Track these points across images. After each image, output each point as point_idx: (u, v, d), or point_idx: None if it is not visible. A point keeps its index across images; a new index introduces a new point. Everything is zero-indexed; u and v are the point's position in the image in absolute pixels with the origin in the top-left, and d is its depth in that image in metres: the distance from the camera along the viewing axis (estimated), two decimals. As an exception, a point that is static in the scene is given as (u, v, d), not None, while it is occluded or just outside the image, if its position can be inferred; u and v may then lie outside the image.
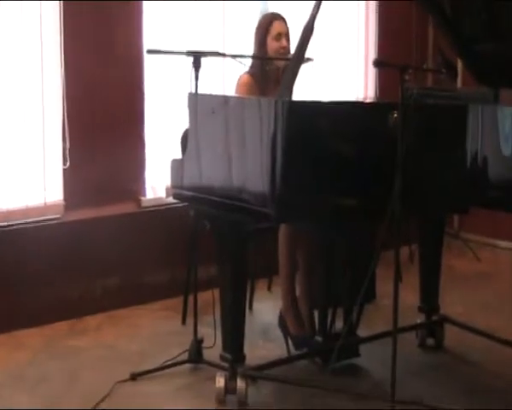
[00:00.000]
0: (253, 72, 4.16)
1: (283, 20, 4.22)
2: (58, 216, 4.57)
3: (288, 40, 4.18)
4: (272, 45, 4.16)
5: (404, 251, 5.15)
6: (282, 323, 3.98)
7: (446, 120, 3.57)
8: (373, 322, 4.08)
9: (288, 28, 4.21)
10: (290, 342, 3.94)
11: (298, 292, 3.99)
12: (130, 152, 4.83)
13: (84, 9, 4.55)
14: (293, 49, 3.76)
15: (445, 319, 4.17)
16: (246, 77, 4.18)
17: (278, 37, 4.17)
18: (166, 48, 4.60)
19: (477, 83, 3.92)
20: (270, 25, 4.18)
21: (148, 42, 4.83)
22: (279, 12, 4.33)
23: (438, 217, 4.24)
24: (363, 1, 5.89)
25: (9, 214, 4.41)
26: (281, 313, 3.99)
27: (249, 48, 4.29)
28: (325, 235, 3.77)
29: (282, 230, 3.92)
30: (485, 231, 5.96)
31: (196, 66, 3.66)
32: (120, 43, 4.74)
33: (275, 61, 4.16)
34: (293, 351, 3.92)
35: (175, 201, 3.93)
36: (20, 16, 4.38)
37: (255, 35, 4.23)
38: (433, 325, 4.17)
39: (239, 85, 4.20)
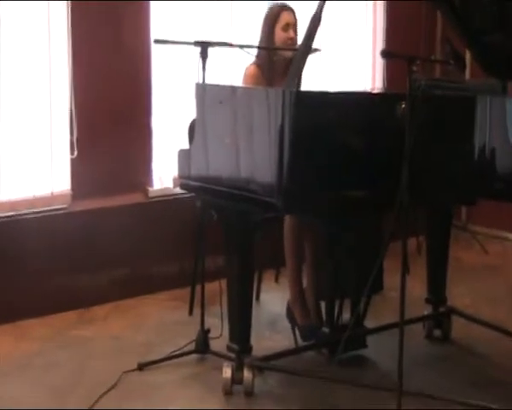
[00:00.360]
0: (259, 62, 4.15)
1: (292, 10, 4.20)
2: (65, 206, 4.58)
3: (295, 31, 4.17)
4: (280, 35, 4.15)
5: (412, 243, 5.14)
6: (290, 314, 3.98)
7: (454, 111, 3.56)
8: (380, 313, 4.07)
9: (296, 19, 4.19)
10: (297, 333, 3.94)
11: (305, 283, 3.99)
12: (137, 142, 4.84)
13: (92, 2, 4.55)
14: (300, 40, 3.75)
15: (453, 311, 4.16)
16: (252, 68, 4.17)
17: (286, 27, 4.15)
18: (174, 38, 4.61)
19: (485, 74, 3.91)
20: (278, 15, 4.16)
21: (155, 32, 4.81)
22: (287, 2, 4.30)
23: (445, 208, 4.24)
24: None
25: (16, 204, 4.42)
26: (288, 304, 3.99)
27: (256, 38, 4.28)
28: (332, 226, 3.77)
29: (287, 221, 3.92)
30: (492, 223, 5.95)
31: (204, 56, 3.66)
32: (128, 34, 4.73)
33: (282, 52, 4.14)
34: (300, 342, 3.92)
35: (182, 191, 3.94)
36: (29, 6, 4.38)
37: (263, 25, 4.21)
38: (440, 317, 4.17)
39: (246, 76, 4.18)
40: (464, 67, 4.03)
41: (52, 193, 4.56)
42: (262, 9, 5.19)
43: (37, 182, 4.51)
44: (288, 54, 4.09)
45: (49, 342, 4.10)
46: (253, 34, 4.91)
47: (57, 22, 4.48)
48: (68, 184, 4.60)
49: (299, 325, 3.93)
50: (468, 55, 4.31)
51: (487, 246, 5.76)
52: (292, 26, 4.16)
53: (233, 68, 5.08)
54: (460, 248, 5.38)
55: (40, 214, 4.46)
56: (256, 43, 4.24)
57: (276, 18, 4.16)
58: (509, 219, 5.72)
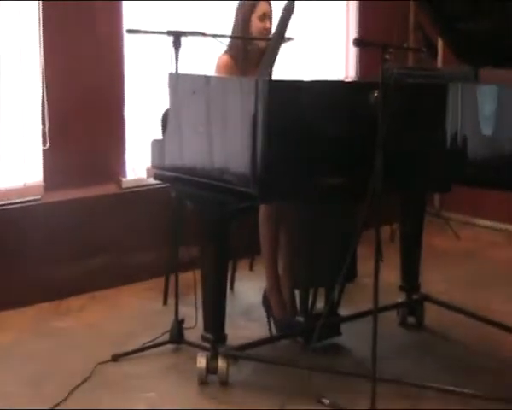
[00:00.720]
0: (232, 52, 4.13)
1: (269, 0, 4.18)
2: (38, 197, 4.55)
3: (270, 22, 4.15)
4: (257, 25, 4.13)
5: (385, 230, 5.18)
6: (266, 302, 3.99)
7: (426, 98, 3.57)
8: (354, 301, 4.09)
9: (271, 9, 4.18)
10: (273, 323, 3.95)
11: (280, 271, 3.99)
12: (110, 133, 4.82)
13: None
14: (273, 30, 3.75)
15: (426, 298, 4.19)
16: (225, 58, 4.15)
17: (263, 17, 4.14)
18: (146, 28, 4.58)
19: (457, 61, 3.92)
20: (255, 4, 4.14)
21: (128, 21, 4.79)
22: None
23: (419, 195, 4.26)
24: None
25: (-11, 196, 4.39)
26: (265, 292, 4.00)
27: (229, 26, 4.26)
28: (307, 214, 3.78)
29: (262, 210, 3.92)
30: (465, 209, 5.99)
31: (176, 45, 3.64)
32: (100, 23, 4.71)
33: (257, 42, 4.13)
34: (275, 331, 3.93)
35: (156, 181, 3.92)
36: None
37: (237, 13, 4.19)
38: (413, 304, 4.19)
39: (218, 66, 4.17)
40: (436, 54, 4.05)
41: (24, 184, 4.53)
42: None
43: (10, 173, 4.48)
44: (263, 44, 4.08)
45: (25, 332, 4.09)
46: (226, 23, 4.93)
47: (29, 11, 4.44)
48: (41, 176, 4.58)
49: (275, 317, 3.94)
50: (440, 43, 4.33)
51: (460, 232, 5.80)
52: (268, 16, 4.15)
53: (206, 58, 5.06)
54: (433, 235, 5.41)
55: (13, 206, 4.44)
56: (228, 31, 4.23)
57: (253, 7, 4.14)
58: (481, 206, 5.77)
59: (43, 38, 4.47)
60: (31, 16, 4.45)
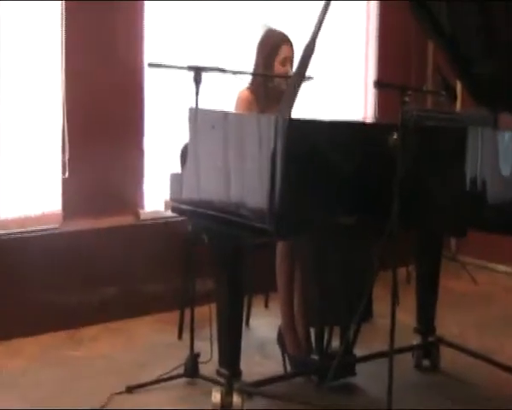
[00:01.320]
0: (253, 88, 4.16)
1: (291, 44, 4.19)
2: (56, 226, 4.57)
3: (291, 65, 4.16)
4: (278, 69, 4.14)
5: (402, 272, 5.16)
6: (281, 340, 3.98)
7: (446, 141, 3.58)
8: (369, 341, 4.07)
9: (293, 52, 4.18)
10: (287, 361, 3.94)
11: (295, 309, 3.98)
12: (129, 164, 4.85)
13: (86, 21, 4.57)
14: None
15: (441, 341, 4.17)
16: (246, 93, 4.17)
17: (284, 61, 4.15)
18: (168, 61, 4.62)
19: (476, 105, 3.93)
20: (278, 47, 4.15)
21: (149, 54, 4.84)
22: (285, 33, 4.27)
23: (436, 238, 4.25)
24: (363, 21, 5.91)
25: (7, 223, 4.42)
26: (280, 329, 3.99)
27: (250, 63, 4.29)
28: (323, 253, 3.78)
29: (280, 247, 3.92)
30: (482, 254, 5.97)
31: (197, 80, 3.67)
32: (122, 55, 4.76)
33: (277, 82, 4.15)
34: (289, 368, 3.92)
35: (173, 214, 3.94)
36: (22, 29, 4.39)
37: (260, 52, 4.21)
38: (428, 347, 4.17)
39: (239, 100, 4.19)
40: (455, 97, 4.06)
41: (43, 213, 4.56)
42: (255, 34, 5.28)
43: (29, 201, 4.51)
44: (284, 85, 4.08)
45: (39, 361, 4.10)
46: (246, 60, 4.98)
47: (51, 43, 4.49)
48: (59, 204, 4.60)
49: (290, 354, 3.93)
50: (458, 86, 4.34)
51: (476, 276, 5.78)
52: (289, 59, 4.16)
53: (226, 93, 5.10)
54: (449, 278, 5.39)
55: (31, 234, 4.46)
56: (249, 67, 4.26)
57: (275, 51, 4.15)
58: (497, 251, 5.74)
59: (66, 68, 4.52)
60: (53, 45, 4.50)
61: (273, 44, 4.18)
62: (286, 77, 4.09)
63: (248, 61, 4.31)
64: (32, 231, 4.48)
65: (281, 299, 3.98)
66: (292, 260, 3.93)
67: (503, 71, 3.72)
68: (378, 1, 5.91)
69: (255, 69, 4.22)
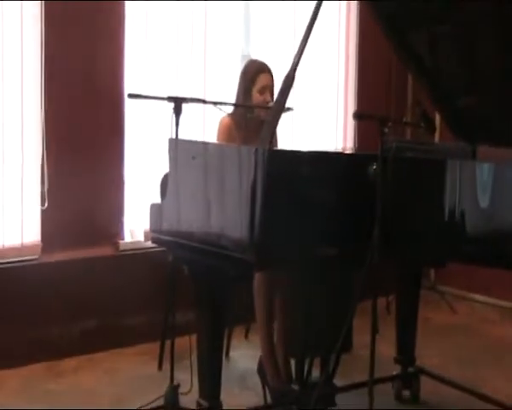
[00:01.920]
0: (234, 117, 4.18)
1: (269, 72, 4.22)
2: (35, 257, 4.56)
3: (271, 93, 4.19)
4: (256, 98, 4.17)
5: (381, 302, 5.16)
6: (261, 370, 3.97)
7: (425, 172, 3.60)
8: (349, 372, 4.07)
9: (273, 81, 4.21)
10: (268, 391, 3.93)
11: (275, 339, 3.98)
12: (109, 195, 4.84)
13: (66, 50, 4.59)
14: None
15: (422, 371, 4.17)
16: (227, 119, 4.17)
17: (263, 90, 4.17)
18: (147, 92, 4.63)
19: (455, 138, 3.97)
20: (256, 76, 4.18)
21: (129, 84, 4.85)
22: (265, 62, 4.30)
23: (415, 269, 4.27)
24: (343, 53, 5.97)
25: (-14, 254, 4.40)
26: (260, 360, 3.99)
27: (232, 93, 4.31)
28: (302, 282, 3.78)
29: (258, 278, 3.92)
30: (460, 284, 6.00)
31: (177, 111, 3.67)
32: (102, 85, 4.76)
33: (257, 112, 4.17)
34: (270, 399, 3.91)
35: (153, 245, 3.93)
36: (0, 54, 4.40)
37: (240, 82, 4.24)
38: (409, 377, 4.17)
39: (220, 128, 4.20)
40: (434, 129, 4.09)
41: (22, 244, 4.54)
42: (235, 63, 5.32)
43: (7, 232, 4.49)
44: (263, 115, 4.11)
45: (19, 395, 4.07)
46: (227, 90, 5.01)
47: (30, 72, 4.50)
48: (38, 235, 4.59)
49: (270, 385, 3.92)
50: (437, 118, 4.38)
51: (455, 306, 5.80)
52: (268, 88, 4.18)
53: (206, 124, 5.12)
54: (429, 309, 5.41)
55: (10, 265, 4.44)
56: (230, 97, 4.28)
57: (254, 80, 4.18)
58: (476, 281, 5.77)
59: (45, 98, 4.53)
60: (32, 76, 4.51)
61: (251, 74, 4.21)
62: (265, 107, 4.11)
63: (231, 92, 4.34)
64: (11, 262, 4.46)
65: (260, 329, 3.97)
66: (270, 290, 3.93)
67: (482, 104, 3.76)
68: (358, 32, 5.95)
69: (236, 99, 4.24)
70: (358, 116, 4.28)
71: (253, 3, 5.45)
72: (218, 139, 4.18)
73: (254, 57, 5.06)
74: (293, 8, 5.51)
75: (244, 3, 5.46)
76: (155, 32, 4.93)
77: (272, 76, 4.23)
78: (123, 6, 4.83)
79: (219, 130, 4.21)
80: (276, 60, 5.26)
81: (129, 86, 4.83)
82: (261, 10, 5.43)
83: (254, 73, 4.20)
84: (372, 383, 3.11)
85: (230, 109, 4.19)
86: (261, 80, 4.19)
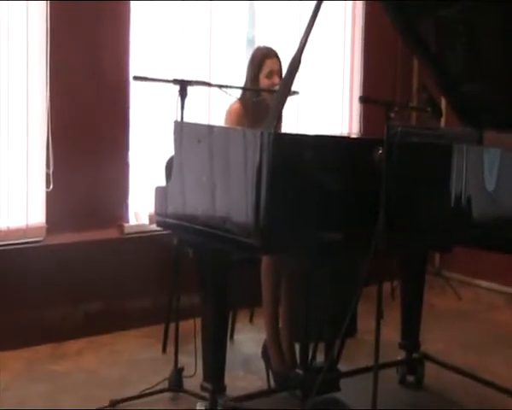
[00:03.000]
0: (243, 101, 4.18)
1: (276, 56, 4.22)
2: (40, 239, 4.55)
3: (280, 76, 4.17)
4: (264, 82, 4.17)
5: (386, 287, 5.16)
6: (266, 354, 3.97)
7: (431, 158, 3.58)
8: (353, 357, 4.07)
9: (280, 64, 4.20)
10: (271, 376, 3.93)
11: (280, 324, 3.98)
12: (114, 177, 4.83)
13: (71, 34, 4.58)
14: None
15: (426, 357, 4.17)
16: (236, 105, 4.18)
17: (270, 75, 4.17)
18: (153, 74, 4.62)
19: (461, 123, 3.95)
20: (263, 62, 4.18)
21: (134, 67, 4.84)
22: (272, 47, 4.30)
23: (421, 253, 4.26)
24: (348, 37, 5.94)
25: (-9, 235, 4.39)
26: (265, 344, 3.99)
27: (237, 76, 4.30)
28: (308, 267, 3.78)
29: (265, 262, 3.92)
30: (466, 270, 5.99)
31: (182, 94, 3.67)
32: (107, 68, 4.75)
33: (264, 96, 4.17)
34: (273, 383, 3.91)
35: (158, 228, 3.93)
36: (7, 41, 4.39)
37: (248, 69, 4.25)
38: (413, 362, 4.17)
39: (229, 112, 4.19)
40: (441, 114, 4.08)
41: (27, 225, 4.53)
42: (241, 48, 5.30)
43: (13, 214, 4.48)
44: (271, 99, 4.10)
45: (23, 375, 4.08)
46: (232, 73, 5.00)
47: (36, 53, 4.48)
48: (43, 217, 4.59)
49: (275, 369, 3.92)
50: (443, 103, 4.36)
51: (460, 292, 5.80)
52: (276, 72, 4.18)
53: (211, 107, 5.11)
54: (433, 294, 5.41)
55: (14, 246, 4.44)
56: (235, 81, 4.27)
57: (261, 65, 4.18)
58: (481, 267, 5.76)
59: (50, 81, 4.51)
60: (38, 58, 4.50)
61: (258, 60, 4.22)
62: (272, 91, 4.09)
63: (236, 76, 4.33)
64: (16, 244, 4.46)
65: (266, 313, 3.98)
66: (277, 274, 3.93)
67: (488, 89, 3.75)
68: (364, 16, 5.93)
69: (244, 84, 4.23)
70: (364, 100, 4.28)
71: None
72: (226, 124, 4.17)
73: (260, 41, 5.07)
74: (299, -9, 5.48)
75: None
76: (161, 15, 4.91)
77: (279, 60, 4.23)
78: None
79: (228, 116, 4.20)
80: (282, 43, 5.24)
81: (134, 69, 4.82)
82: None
83: (261, 58, 4.21)
84: (377, 367, 3.11)
85: (237, 93, 4.18)
86: (268, 65, 4.19)
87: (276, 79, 4.16)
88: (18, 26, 4.42)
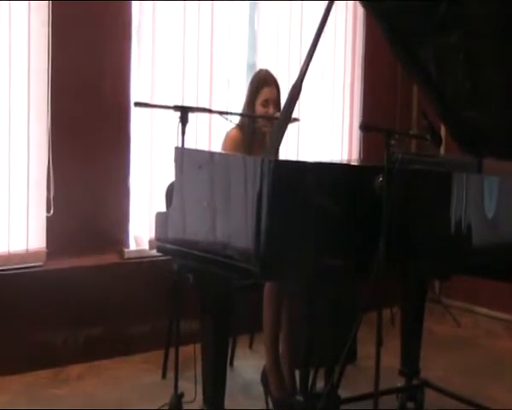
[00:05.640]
0: (241, 129, 4.19)
1: (274, 84, 4.23)
2: (40, 264, 4.56)
3: (276, 105, 4.19)
4: (259, 110, 4.18)
5: (386, 314, 5.15)
6: (265, 380, 3.97)
7: (431, 185, 3.60)
8: (354, 383, 4.06)
9: (278, 93, 4.22)
10: (271, 402, 3.92)
11: (280, 350, 3.98)
12: (114, 202, 4.85)
13: (73, 59, 4.60)
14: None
15: (426, 384, 4.16)
16: (234, 132, 4.20)
17: (265, 103, 4.19)
18: (154, 100, 4.65)
19: (460, 151, 3.97)
20: (260, 89, 4.20)
21: (135, 93, 4.86)
22: (271, 72, 4.32)
23: (421, 281, 4.26)
24: (349, 64, 5.97)
25: (-9, 260, 4.40)
26: (264, 369, 3.98)
27: (237, 102, 4.32)
28: (308, 294, 3.78)
29: (268, 287, 3.92)
30: (465, 296, 5.99)
31: (183, 120, 3.68)
32: (108, 94, 4.78)
33: (260, 124, 4.18)
34: (273, 409, 3.90)
35: (158, 254, 3.93)
36: (7, 62, 4.41)
37: (247, 93, 4.27)
38: (413, 389, 4.16)
39: (226, 139, 4.22)
40: (440, 142, 4.09)
41: (27, 250, 4.54)
42: (241, 73, 5.34)
43: (13, 238, 4.49)
44: (267, 128, 4.12)
45: (22, 399, 4.07)
46: (232, 99, 5.02)
47: (37, 79, 4.51)
48: (44, 242, 4.59)
49: (274, 395, 3.92)
50: (443, 130, 4.38)
51: (460, 319, 5.80)
52: (272, 101, 4.19)
53: (212, 133, 5.13)
54: (433, 321, 5.41)
55: (15, 271, 4.45)
56: (236, 107, 4.29)
57: (257, 93, 4.20)
58: (480, 294, 5.77)
59: (51, 105, 4.53)
60: (39, 83, 4.51)
61: (255, 86, 4.24)
62: (269, 118, 4.11)
63: (237, 102, 4.35)
64: (16, 269, 4.46)
65: (266, 338, 3.98)
66: (279, 299, 3.93)
67: (488, 117, 3.76)
68: (364, 44, 5.97)
69: (242, 110, 4.25)
70: (365, 128, 4.28)
71: (260, 13, 5.46)
72: (222, 151, 4.19)
73: (261, 66, 5.08)
74: (300, 17, 5.51)
75: (250, 12, 5.47)
76: (162, 41, 4.94)
77: (278, 88, 4.24)
78: (129, 14, 4.84)
79: (225, 142, 4.22)
80: (283, 68, 5.29)
81: (135, 95, 4.84)
82: (267, 19, 5.43)
83: (259, 85, 4.22)
84: (377, 394, 3.11)
85: (237, 119, 4.20)
86: (265, 93, 4.20)
87: (272, 109, 4.17)
88: (19, 50, 4.43)
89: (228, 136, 4.22)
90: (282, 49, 5.47)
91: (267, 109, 4.18)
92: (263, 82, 4.23)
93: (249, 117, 4.19)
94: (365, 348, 3.60)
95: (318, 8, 5.04)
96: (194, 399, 3.70)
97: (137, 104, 3.98)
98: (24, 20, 4.43)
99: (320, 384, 3.76)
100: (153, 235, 3.85)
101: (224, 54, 5.23)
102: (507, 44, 3.45)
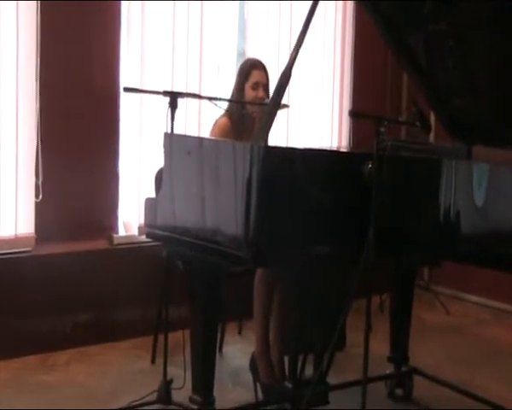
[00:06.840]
0: (231, 116, 4.18)
1: (263, 69, 4.24)
2: (29, 249, 4.54)
3: (266, 90, 4.20)
4: (249, 93, 4.19)
5: (375, 301, 5.17)
6: (254, 366, 3.97)
7: (420, 172, 3.60)
8: (342, 370, 4.07)
9: (267, 77, 4.23)
10: (260, 388, 3.93)
11: (271, 336, 3.98)
12: (103, 188, 4.83)
13: (62, 44, 4.57)
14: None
15: (415, 371, 4.18)
16: (223, 120, 4.20)
17: (255, 86, 4.19)
18: (143, 86, 4.63)
19: (450, 138, 3.97)
20: (249, 73, 4.21)
21: (125, 78, 4.84)
22: (260, 59, 4.35)
23: (410, 268, 4.27)
24: (338, 51, 5.96)
25: (-20, 245, 4.38)
26: (253, 355, 3.98)
27: (227, 89, 4.31)
28: (299, 280, 3.78)
29: (259, 274, 3.92)
30: (454, 284, 6.00)
31: (173, 106, 3.66)
32: (97, 79, 4.75)
33: (250, 110, 4.17)
34: (261, 395, 3.90)
35: (148, 240, 3.93)
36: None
37: (235, 79, 4.27)
38: (402, 376, 4.18)
39: (215, 127, 4.21)
40: (430, 129, 4.09)
41: (16, 235, 4.52)
42: (231, 60, 5.32)
43: (2, 224, 4.47)
44: (256, 112, 4.12)
45: (10, 386, 4.06)
46: (222, 85, 5.01)
47: (26, 63, 4.47)
48: (32, 228, 4.57)
49: (263, 382, 3.92)
50: (432, 118, 4.38)
51: (449, 307, 5.81)
52: (261, 85, 4.20)
53: (202, 119, 5.11)
54: (422, 308, 5.42)
55: (3, 256, 4.43)
56: (225, 94, 4.28)
57: (247, 76, 4.20)
58: (470, 281, 5.78)
59: (40, 91, 4.50)
60: (28, 67, 4.48)
61: (245, 70, 4.25)
62: (259, 104, 4.10)
63: (226, 89, 4.34)
64: (5, 254, 4.44)
65: (257, 325, 3.98)
66: (270, 286, 3.93)
67: (477, 104, 3.77)
68: (354, 31, 5.95)
69: (231, 96, 4.25)
70: (354, 114, 4.28)
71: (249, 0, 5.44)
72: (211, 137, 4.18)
73: (250, 54, 5.10)
74: (290, 5, 5.50)
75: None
76: (152, 27, 4.91)
77: (267, 73, 4.25)
78: (119, 1, 4.82)
79: (214, 130, 4.21)
80: (272, 57, 5.27)
81: (125, 81, 4.82)
82: (257, 7, 5.41)
83: (248, 68, 4.24)
84: (365, 381, 3.11)
85: (225, 105, 4.19)
86: (254, 76, 4.21)
87: (261, 92, 4.18)
88: (8, 35, 4.40)
89: (216, 124, 4.22)
90: (271, 36, 5.46)
91: (257, 92, 4.18)
92: (252, 65, 4.25)
93: (239, 103, 4.18)
94: (354, 336, 3.60)
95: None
96: (183, 385, 3.70)
97: (127, 89, 3.97)
98: (13, 7, 4.39)
99: (309, 371, 3.76)
100: (142, 221, 3.83)
101: (214, 41, 5.20)
102: (496, 32, 3.44)
